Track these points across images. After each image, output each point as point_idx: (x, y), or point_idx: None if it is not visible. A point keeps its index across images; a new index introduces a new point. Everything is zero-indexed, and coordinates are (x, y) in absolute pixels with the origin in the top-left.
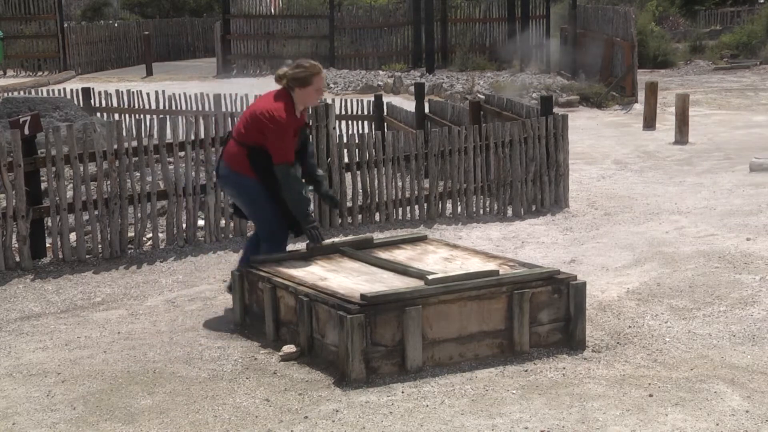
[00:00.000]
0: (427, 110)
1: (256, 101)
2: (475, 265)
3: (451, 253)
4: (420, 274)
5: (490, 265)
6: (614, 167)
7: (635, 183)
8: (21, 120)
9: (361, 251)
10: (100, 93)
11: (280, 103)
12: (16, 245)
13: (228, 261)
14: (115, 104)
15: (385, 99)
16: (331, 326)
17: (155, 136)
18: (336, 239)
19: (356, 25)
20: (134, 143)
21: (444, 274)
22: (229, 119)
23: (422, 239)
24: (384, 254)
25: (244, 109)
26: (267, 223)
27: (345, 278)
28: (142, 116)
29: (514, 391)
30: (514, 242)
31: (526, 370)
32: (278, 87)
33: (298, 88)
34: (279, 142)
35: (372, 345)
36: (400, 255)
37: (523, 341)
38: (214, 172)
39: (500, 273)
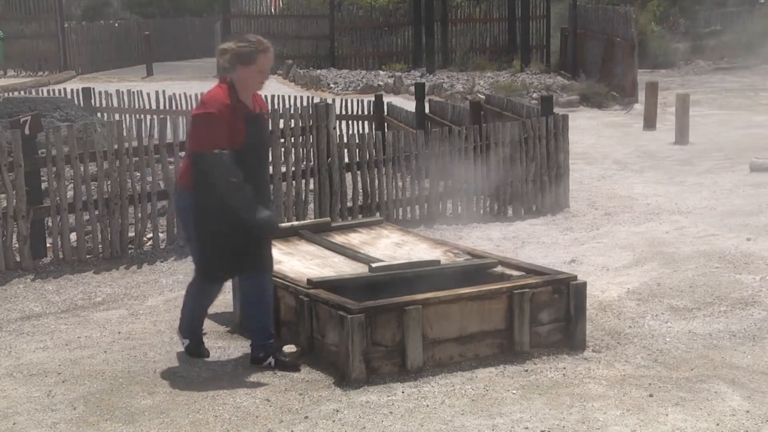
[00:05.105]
0: (427, 110)
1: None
2: (422, 251)
3: (403, 238)
4: (367, 260)
5: (436, 253)
6: (614, 167)
7: (635, 183)
8: (21, 120)
9: (318, 234)
10: (100, 93)
11: (213, 91)
12: (17, 245)
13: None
14: (115, 104)
15: (386, 99)
16: (331, 326)
17: (155, 136)
18: (295, 222)
19: (356, 25)
20: (134, 143)
21: (387, 263)
22: None
23: (378, 223)
24: (340, 238)
25: None
26: (198, 254)
27: (298, 262)
28: (142, 116)
29: (515, 391)
30: (514, 242)
31: (527, 370)
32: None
33: (240, 66)
34: (202, 130)
35: (372, 345)
36: (355, 239)
37: (524, 341)
38: None
39: (442, 261)
